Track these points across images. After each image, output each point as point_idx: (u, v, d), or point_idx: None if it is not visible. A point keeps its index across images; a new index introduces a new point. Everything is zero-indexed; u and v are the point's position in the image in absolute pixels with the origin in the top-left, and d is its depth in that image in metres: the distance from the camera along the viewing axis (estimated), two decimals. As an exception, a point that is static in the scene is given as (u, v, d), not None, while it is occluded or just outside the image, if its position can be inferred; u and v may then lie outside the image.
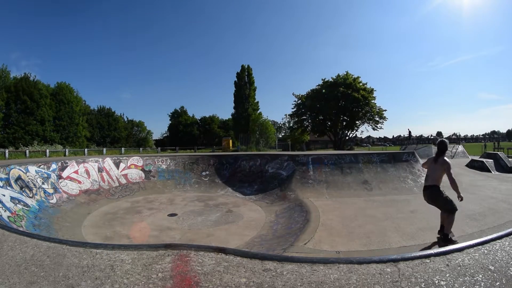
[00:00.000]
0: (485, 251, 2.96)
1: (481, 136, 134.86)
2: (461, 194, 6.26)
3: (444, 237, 6.57)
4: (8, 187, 9.76)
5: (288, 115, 70.41)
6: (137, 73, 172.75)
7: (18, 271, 2.80)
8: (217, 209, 12.33)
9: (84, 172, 14.54)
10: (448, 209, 6.52)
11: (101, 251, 3.27)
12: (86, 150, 37.81)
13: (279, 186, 14.42)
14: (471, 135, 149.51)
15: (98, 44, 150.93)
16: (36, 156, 30.38)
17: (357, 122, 58.48)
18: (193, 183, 17.31)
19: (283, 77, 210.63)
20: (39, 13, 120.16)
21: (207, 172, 18.13)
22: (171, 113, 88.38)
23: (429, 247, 6.58)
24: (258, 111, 57.85)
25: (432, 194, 6.78)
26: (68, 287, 2.46)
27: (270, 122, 59.76)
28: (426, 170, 7.14)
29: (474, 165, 19.93)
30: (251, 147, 45.36)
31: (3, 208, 8.39)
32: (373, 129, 59.09)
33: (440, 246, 6.00)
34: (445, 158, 6.69)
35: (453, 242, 6.05)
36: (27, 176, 11.35)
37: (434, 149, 30.12)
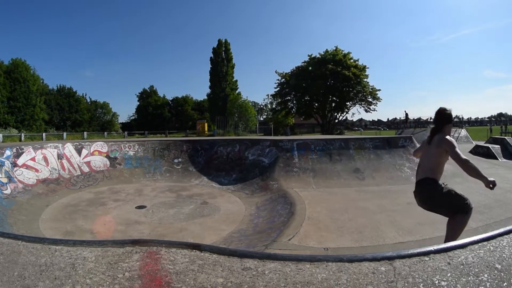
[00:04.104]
0: (491, 247, 2.97)
1: (486, 119, 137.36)
2: (489, 179, 4.47)
3: None
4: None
5: (271, 95, 70.44)
6: (102, 49, 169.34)
7: (-36, 271, 2.72)
8: (191, 200, 12.33)
9: (42, 159, 14.28)
10: (457, 209, 4.86)
11: (61, 248, 3.21)
12: (44, 134, 37.49)
13: (260, 175, 14.45)
14: (476, 118, 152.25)
15: (58, 16, 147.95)
16: (-13, 141, 29.94)
17: (348, 103, 59.03)
18: (164, 172, 17.26)
19: (265, 53, 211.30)
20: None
21: (180, 159, 18.08)
22: (139, 93, 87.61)
23: (428, 244, 6.60)
24: (237, 91, 58.10)
25: (425, 192, 5.13)
26: (22, 289, 2.40)
27: (250, 103, 59.68)
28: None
29: (478, 151, 20.12)
30: (229, 131, 45.38)
31: None
32: (366, 111, 59.92)
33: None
34: (446, 137, 4.90)
35: None
36: (-23, 164, 11.18)
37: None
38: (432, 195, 4.98)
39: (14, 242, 3.44)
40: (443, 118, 5.16)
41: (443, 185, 4.90)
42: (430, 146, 5.10)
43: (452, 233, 4.85)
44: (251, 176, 14.73)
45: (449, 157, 4.86)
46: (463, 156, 4.58)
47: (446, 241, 4.73)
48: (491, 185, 4.45)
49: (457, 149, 4.66)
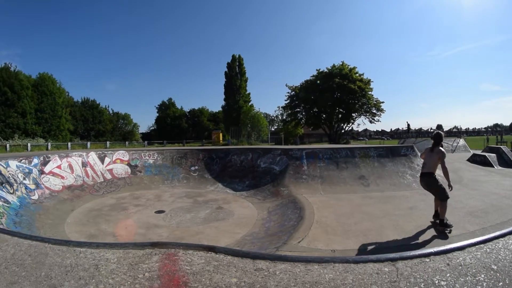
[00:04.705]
0: (488, 249, 2.98)
1: (483, 129, 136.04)
2: (451, 183, 7.51)
3: (440, 222, 7.57)
4: (-14, 183, 9.69)
5: (281, 107, 70.51)
6: (123, 63, 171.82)
7: (-3, 271, 2.77)
8: (207, 205, 12.31)
9: (67, 167, 14.39)
10: (441, 197, 7.63)
11: (85, 250, 3.25)
12: (69, 144, 37.60)
13: (271, 182, 14.40)
14: (473, 128, 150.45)
15: (81, 33, 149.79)
16: (17, 150, 30.25)
17: (354, 114, 58.69)
18: (182, 179, 17.27)
19: (276, 68, 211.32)
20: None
21: (196, 167, 18.09)
22: (158, 105, 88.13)
23: (428, 246, 6.58)
24: (250, 103, 57.93)
25: (429, 181, 7.87)
26: (50, 287, 2.44)
27: (262, 115, 59.64)
28: (423, 159, 8.41)
29: (476, 159, 19.87)
30: (242, 140, 45.33)
31: (-19, 205, 8.33)
32: (370, 122, 59.46)
33: (437, 232, 7.46)
34: (440, 148, 7.75)
35: (449, 226, 7.45)
36: (8, 171, 11.24)
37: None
38: (432, 183, 7.80)
39: (41, 244, 3.49)
40: (441, 138, 7.93)
41: (439, 180, 7.73)
42: (432, 153, 7.83)
43: (441, 211, 7.57)
44: (263, 183, 14.69)
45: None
46: (446, 165, 7.47)
47: (436, 212, 8.01)
48: (450, 188, 7.47)
49: (445, 159, 7.56)
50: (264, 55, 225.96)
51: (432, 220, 8.08)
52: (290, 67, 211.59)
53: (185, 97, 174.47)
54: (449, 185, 7.45)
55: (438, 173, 7.98)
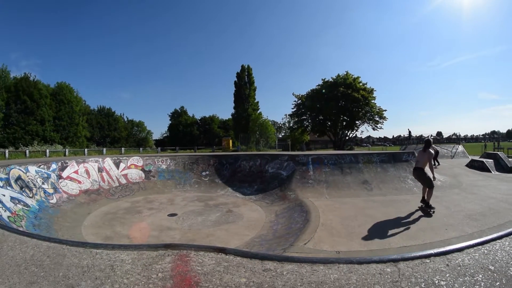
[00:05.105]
0: (485, 251, 2.95)
1: (481, 136, 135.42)
2: (435, 176, 9.71)
3: (426, 205, 9.57)
4: (8, 187, 9.76)
5: (288, 115, 70.58)
6: (137, 72, 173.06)
7: (18, 271, 2.79)
8: (217, 209, 12.34)
9: (84, 172, 14.54)
10: (429, 185, 9.62)
11: (101, 251, 3.26)
12: (86, 150, 37.67)
13: (279, 186, 14.41)
14: (471, 135, 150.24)
15: (97, 43, 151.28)
16: (36, 156, 30.38)
17: (357, 122, 58.39)
18: (193, 183, 17.33)
19: (283, 77, 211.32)
20: (38, 10, 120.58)
21: (207, 172, 18.16)
22: (171, 113, 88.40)
23: (429, 247, 6.53)
24: (258, 111, 57.87)
25: (420, 173, 9.94)
26: (68, 287, 2.45)
27: (270, 122, 59.75)
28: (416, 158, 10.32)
29: (474, 165, 19.84)
30: (251, 147, 45.40)
31: (3, 208, 8.39)
32: (373, 129, 59.08)
33: (423, 212, 9.37)
34: (430, 150, 9.74)
35: (432, 208, 9.40)
36: (27, 176, 11.36)
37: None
38: (422, 175, 9.92)
39: (59, 246, 3.50)
40: (430, 143, 9.94)
41: (427, 173, 9.85)
42: (424, 153, 9.79)
43: (427, 196, 9.55)
44: (271, 187, 14.71)
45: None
46: (432, 162, 9.69)
47: (423, 197, 9.86)
48: (433, 178, 9.61)
49: (432, 158, 9.67)
50: (271, 64, 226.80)
51: (420, 204, 10.01)
52: (297, 76, 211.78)
53: (197, 105, 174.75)
54: (433, 177, 9.63)
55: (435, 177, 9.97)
